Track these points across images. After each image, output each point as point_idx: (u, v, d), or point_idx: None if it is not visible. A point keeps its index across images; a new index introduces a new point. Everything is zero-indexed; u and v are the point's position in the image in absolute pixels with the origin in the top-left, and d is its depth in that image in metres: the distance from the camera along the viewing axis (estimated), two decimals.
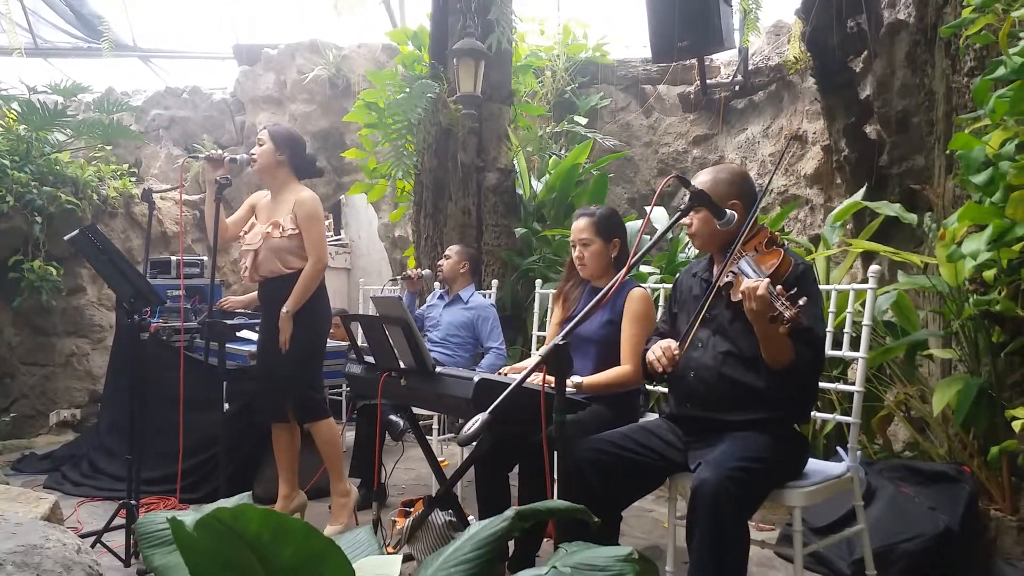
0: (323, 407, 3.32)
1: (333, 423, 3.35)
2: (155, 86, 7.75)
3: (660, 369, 2.12)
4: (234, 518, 0.87)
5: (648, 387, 2.93)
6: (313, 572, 0.91)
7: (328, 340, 3.54)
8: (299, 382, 3.23)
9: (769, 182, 2.35)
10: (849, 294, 2.60)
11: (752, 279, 1.92)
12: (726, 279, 2.09)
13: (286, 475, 3.35)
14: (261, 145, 3.24)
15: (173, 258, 4.90)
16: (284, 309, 3.14)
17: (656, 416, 2.46)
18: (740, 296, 1.97)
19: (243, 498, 1.31)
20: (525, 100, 6.21)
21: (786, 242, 2.25)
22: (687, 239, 4.44)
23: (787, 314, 1.80)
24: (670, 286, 2.61)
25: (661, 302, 3.02)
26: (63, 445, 4.77)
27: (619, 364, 2.66)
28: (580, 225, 2.81)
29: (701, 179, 2.24)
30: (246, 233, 3.32)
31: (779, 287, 1.87)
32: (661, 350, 2.13)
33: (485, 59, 4.99)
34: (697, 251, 3.26)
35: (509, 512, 1.08)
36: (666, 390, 2.39)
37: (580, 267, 2.84)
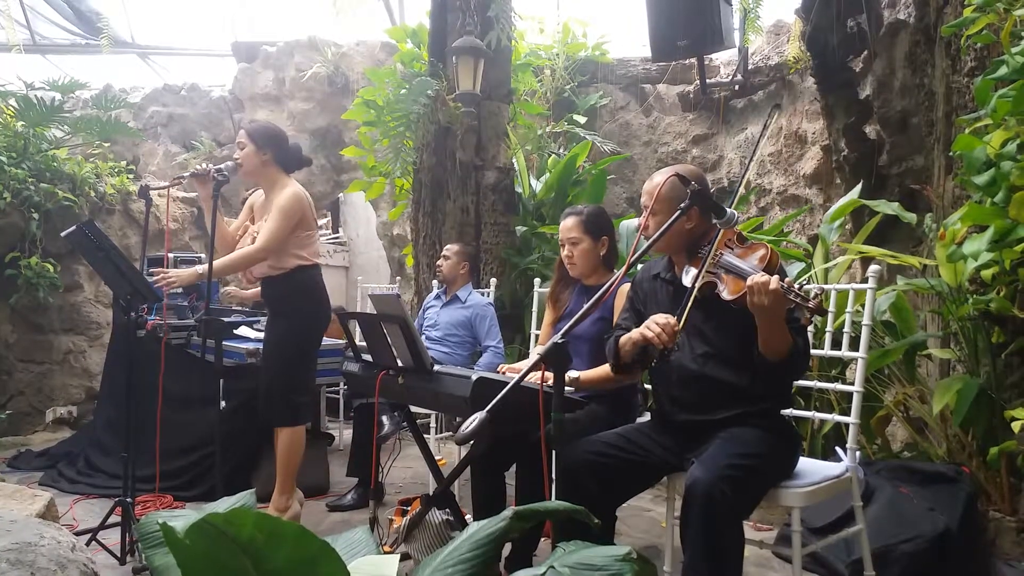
0: (297, 414, 3.21)
1: (302, 433, 3.23)
2: (153, 83, 7.74)
3: (660, 345, 1.96)
4: (227, 522, 0.86)
5: (647, 387, 2.93)
6: (307, 575, 0.90)
7: (324, 339, 3.51)
8: (282, 383, 3.16)
9: (741, 181, 2.30)
10: (849, 294, 2.59)
11: (759, 275, 1.89)
12: (706, 279, 2.06)
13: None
14: (242, 148, 3.16)
15: (170, 255, 4.88)
16: (199, 269, 3.01)
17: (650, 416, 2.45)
18: (737, 294, 1.95)
19: (245, 496, 1.30)
20: (524, 99, 6.21)
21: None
22: None
23: (811, 304, 1.81)
24: None
25: None
26: (59, 442, 4.76)
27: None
28: (568, 224, 2.80)
29: (657, 179, 2.22)
30: (241, 236, 3.31)
31: (787, 279, 1.87)
32: (659, 326, 1.96)
33: (484, 57, 4.98)
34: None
35: (507, 512, 1.07)
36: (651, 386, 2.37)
37: (569, 266, 2.83)
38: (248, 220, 3.39)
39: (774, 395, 2.16)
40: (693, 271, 2.13)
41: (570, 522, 1.71)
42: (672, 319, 1.99)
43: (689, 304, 2.02)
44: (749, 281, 1.89)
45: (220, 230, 3.27)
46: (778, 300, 1.85)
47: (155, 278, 2.98)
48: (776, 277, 1.87)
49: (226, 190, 3.20)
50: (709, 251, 2.09)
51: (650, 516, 3.50)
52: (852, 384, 2.33)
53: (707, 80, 6.15)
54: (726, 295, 2.01)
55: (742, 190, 2.09)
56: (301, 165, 3.36)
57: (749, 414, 2.09)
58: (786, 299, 1.84)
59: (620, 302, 2.67)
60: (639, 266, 2.59)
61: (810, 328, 2.45)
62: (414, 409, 3.06)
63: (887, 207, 3.17)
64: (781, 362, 2.00)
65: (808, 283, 1.99)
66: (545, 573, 0.99)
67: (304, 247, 3.20)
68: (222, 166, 3.09)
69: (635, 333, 2.09)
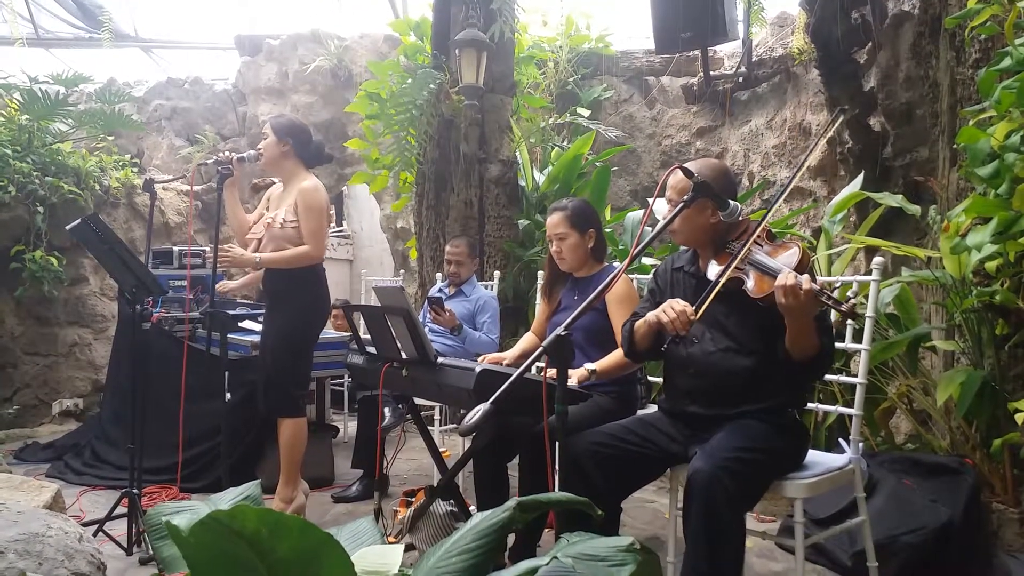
0: (298, 405, 3.24)
1: (304, 424, 3.25)
2: (157, 76, 7.75)
3: (672, 331, 1.98)
4: (231, 518, 0.87)
5: (650, 379, 2.94)
6: (312, 565, 0.91)
7: (329, 331, 3.52)
8: (281, 374, 3.18)
9: (792, 179, 2.29)
10: (852, 286, 2.60)
11: (790, 276, 1.87)
12: (733, 275, 2.05)
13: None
14: (265, 139, 3.23)
15: (175, 248, 4.89)
16: (257, 256, 3.11)
17: (656, 408, 2.45)
18: (764, 292, 1.95)
19: (251, 487, 1.31)
20: (528, 91, 6.19)
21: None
22: None
23: (844, 307, 1.81)
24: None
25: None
26: (66, 434, 4.78)
27: (604, 348, 2.67)
28: (554, 220, 2.82)
29: (669, 181, 2.21)
30: (255, 223, 3.34)
31: (820, 280, 1.87)
32: (675, 312, 1.97)
33: (487, 50, 4.97)
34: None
35: (511, 503, 1.08)
36: (661, 380, 2.37)
37: (559, 260, 2.86)
38: (264, 210, 3.41)
39: (791, 393, 2.16)
40: (718, 267, 2.12)
41: (574, 513, 1.72)
42: (690, 308, 1.99)
43: (711, 296, 2.00)
44: (779, 281, 1.87)
45: (238, 219, 3.30)
46: (809, 301, 1.85)
47: (221, 253, 3.08)
48: (807, 278, 1.86)
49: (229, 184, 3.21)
50: (741, 248, 2.07)
51: (653, 508, 3.51)
52: (856, 376, 2.33)
53: (711, 72, 6.13)
54: (753, 292, 2.00)
55: (772, 215, 2.09)
56: (321, 161, 3.40)
57: (760, 410, 2.09)
58: (818, 301, 1.84)
59: (613, 292, 2.67)
60: (642, 259, 2.60)
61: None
62: (418, 401, 3.08)
63: (891, 199, 3.17)
64: (808, 362, 2.00)
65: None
66: (549, 563, 1.00)
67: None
68: (244, 154, 3.19)
69: (651, 316, 2.09)
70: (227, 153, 3.14)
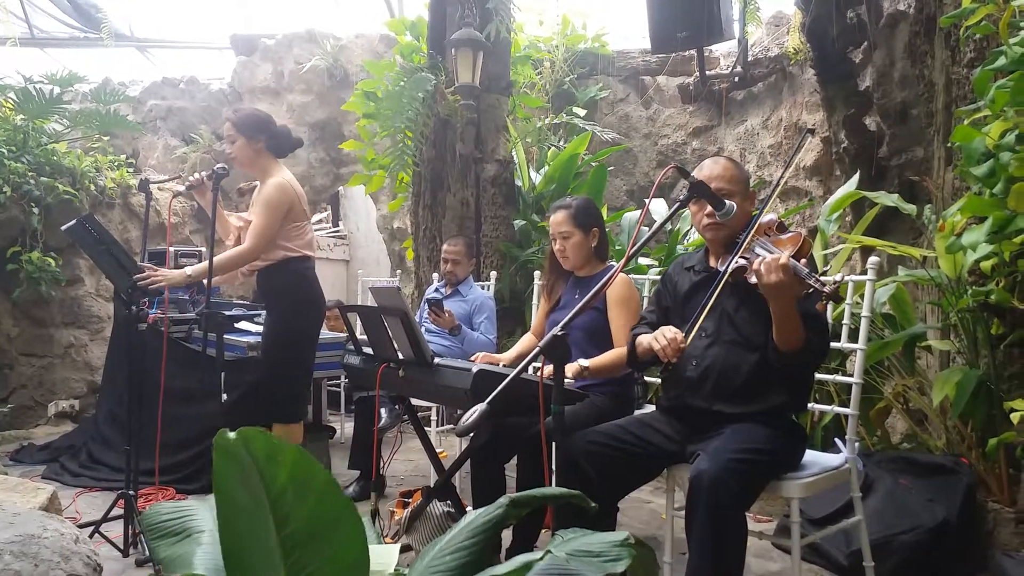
0: (293, 411, 3.19)
1: (299, 431, 3.21)
2: (152, 76, 7.73)
3: (665, 360, 2.04)
4: (268, 458, 0.87)
5: (647, 379, 2.94)
6: (329, 533, 0.91)
7: (325, 331, 3.51)
8: (274, 377, 3.15)
9: (782, 175, 2.32)
10: (848, 285, 2.60)
11: (772, 253, 1.89)
12: (738, 263, 2.06)
13: None
14: (233, 142, 3.08)
15: (171, 249, 4.89)
16: (187, 271, 2.98)
17: (653, 408, 2.45)
18: (756, 276, 1.95)
19: None
20: (524, 91, 6.20)
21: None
22: (685, 231, 4.44)
23: (826, 289, 1.80)
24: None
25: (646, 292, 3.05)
26: (61, 436, 4.77)
27: (603, 347, 2.67)
28: (558, 218, 2.82)
29: (713, 171, 2.22)
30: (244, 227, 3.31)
31: (803, 261, 1.87)
32: (667, 339, 2.03)
33: (483, 49, 4.97)
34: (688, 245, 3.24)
35: (504, 500, 1.08)
36: (659, 380, 2.38)
37: (562, 259, 2.85)
38: None
39: (791, 393, 2.15)
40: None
41: (570, 513, 1.72)
42: (680, 335, 2.05)
43: (704, 313, 2.04)
44: (759, 260, 1.88)
45: (223, 223, 3.27)
46: (789, 279, 1.84)
47: (142, 277, 2.90)
48: (787, 254, 1.86)
49: (224, 183, 3.18)
50: (745, 236, 2.10)
51: (650, 508, 3.51)
52: (851, 376, 2.33)
53: (707, 72, 6.14)
54: (753, 279, 2.01)
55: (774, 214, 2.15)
56: (293, 147, 3.27)
57: (760, 411, 2.09)
58: (799, 281, 1.84)
59: (613, 291, 2.68)
60: (639, 259, 2.60)
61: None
62: (415, 402, 3.07)
63: (887, 198, 3.17)
64: (793, 354, 1.99)
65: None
66: (543, 558, 1.00)
67: (291, 239, 3.13)
68: (216, 167, 2.95)
69: (646, 340, 2.14)
70: (197, 175, 3.03)
